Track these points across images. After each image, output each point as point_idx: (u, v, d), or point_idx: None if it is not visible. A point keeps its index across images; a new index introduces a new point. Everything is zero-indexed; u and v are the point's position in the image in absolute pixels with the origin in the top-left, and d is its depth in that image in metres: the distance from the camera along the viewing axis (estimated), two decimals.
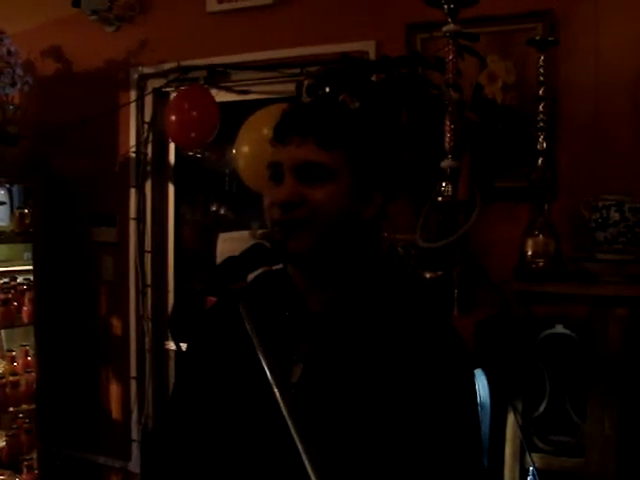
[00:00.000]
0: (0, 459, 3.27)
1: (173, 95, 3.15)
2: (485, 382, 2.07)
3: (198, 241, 3.41)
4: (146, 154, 3.32)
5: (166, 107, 3.12)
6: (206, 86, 3.04)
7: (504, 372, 2.07)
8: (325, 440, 1.00)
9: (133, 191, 3.32)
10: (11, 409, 3.27)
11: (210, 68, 3.06)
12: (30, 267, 3.34)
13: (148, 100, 3.30)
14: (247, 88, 3.10)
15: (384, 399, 1.05)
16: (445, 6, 2.15)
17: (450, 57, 2.16)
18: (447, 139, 2.15)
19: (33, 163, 3.30)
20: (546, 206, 2.24)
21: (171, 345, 3.33)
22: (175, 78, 3.16)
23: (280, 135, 1.14)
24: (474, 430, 1.11)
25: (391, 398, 1.05)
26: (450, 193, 2.16)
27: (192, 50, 3.10)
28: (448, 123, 2.14)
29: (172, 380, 3.36)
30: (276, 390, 0.95)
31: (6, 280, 3.35)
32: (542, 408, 2.07)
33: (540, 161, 2.23)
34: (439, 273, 2.14)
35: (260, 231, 1.14)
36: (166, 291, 3.40)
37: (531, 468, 2.04)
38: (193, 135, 2.92)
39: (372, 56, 2.68)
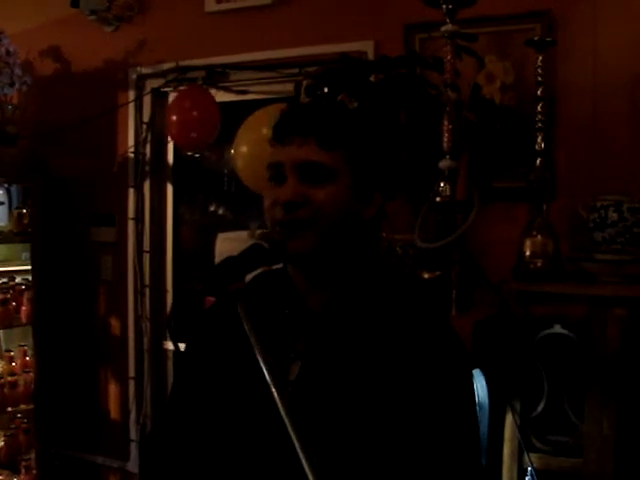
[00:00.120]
0: None
1: (174, 95, 3.15)
2: (483, 382, 2.07)
3: (197, 241, 3.41)
4: (145, 154, 3.32)
5: (167, 107, 3.12)
6: (205, 86, 3.04)
7: (502, 372, 2.07)
8: (322, 438, 1.00)
9: (132, 191, 3.32)
10: (9, 409, 3.26)
11: (209, 68, 3.06)
12: (28, 267, 3.34)
13: (147, 100, 3.29)
14: (246, 88, 3.10)
15: (382, 398, 1.05)
16: (443, 6, 2.16)
17: (448, 57, 2.16)
18: (445, 139, 2.15)
19: (32, 163, 3.29)
20: (544, 206, 2.24)
21: (169, 345, 3.33)
22: (174, 78, 3.16)
23: (280, 135, 1.14)
24: (472, 430, 1.11)
25: (389, 397, 1.05)
26: (448, 193, 2.16)
27: (191, 50, 3.10)
28: (446, 123, 2.15)
29: (170, 380, 3.36)
30: (273, 389, 0.96)
31: (4, 280, 3.35)
32: (540, 408, 2.08)
33: (538, 161, 2.23)
34: (437, 273, 2.15)
35: (259, 231, 1.14)
36: (165, 291, 3.40)
37: (529, 468, 2.04)
38: (194, 135, 2.92)
39: (370, 56, 2.68)
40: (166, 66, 3.17)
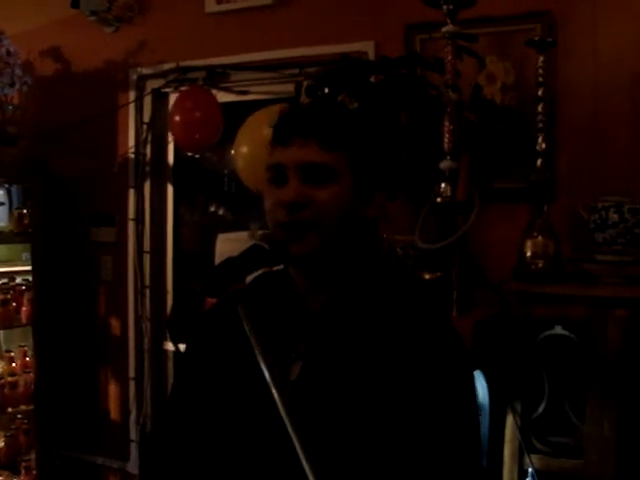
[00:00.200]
0: None
1: (174, 96, 3.15)
2: (484, 383, 2.07)
3: (197, 242, 3.41)
4: (145, 154, 3.32)
5: (169, 108, 3.11)
6: (205, 87, 3.04)
7: (503, 373, 2.07)
8: (323, 439, 1.00)
9: (132, 191, 3.32)
10: (9, 410, 3.26)
11: (209, 69, 3.06)
12: (29, 267, 3.34)
13: (147, 101, 3.29)
14: (246, 88, 3.10)
15: (382, 398, 1.05)
16: (444, 7, 2.15)
17: (449, 58, 2.16)
18: (446, 140, 2.15)
19: (32, 163, 3.29)
20: (545, 207, 2.24)
21: (170, 345, 3.33)
22: (174, 79, 3.16)
23: (281, 137, 1.13)
24: (473, 430, 1.11)
25: (390, 397, 1.05)
26: (449, 194, 2.16)
27: (191, 51, 3.10)
28: (447, 124, 2.15)
29: (171, 380, 3.36)
30: (274, 389, 0.95)
31: (5, 281, 3.35)
32: (541, 409, 2.07)
33: (539, 162, 2.23)
34: (438, 274, 2.15)
35: (259, 232, 1.14)
36: (165, 291, 3.40)
37: (530, 469, 2.04)
38: (197, 136, 2.92)
39: (371, 57, 2.68)
40: (166, 67, 3.17)
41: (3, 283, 3.33)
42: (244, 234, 2.64)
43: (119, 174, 3.32)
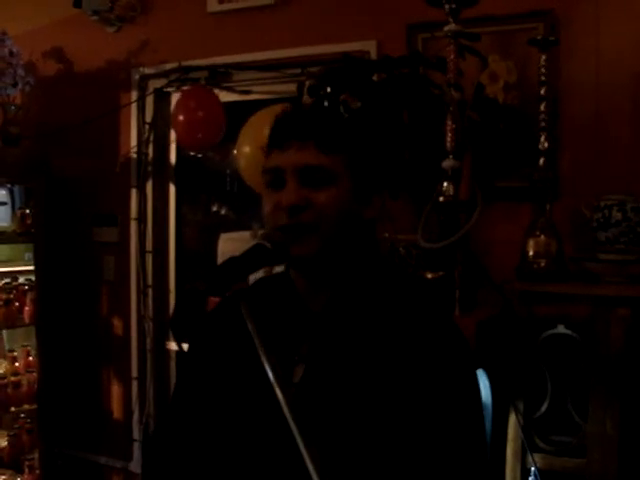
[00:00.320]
0: (2, 459, 3.27)
1: (176, 96, 3.16)
2: (487, 382, 2.07)
3: (199, 241, 3.41)
4: (147, 154, 3.32)
5: (172, 108, 3.11)
6: (208, 86, 3.04)
7: (506, 372, 2.07)
8: (327, 440, 1.00)
9: (134, 191, 3.32)
10: (13, 409, 3.27)
11: (211, 68, 3.06)
12: (31, 267, 3.34)
13: (149, 100, 3.30)
14: (248, 88, 3.10)
15: (386, 398, 1.05)
16: (446, 6, 2.15)
17: (451, 57, 2.16)
18: (448, 139, 2.14)
19: (34, 163, 3.30)
20: (548, 206, 2.23)
21: (172, 345, 3.34)
22: (176, 78, 3.16)
23: (278, 140, 1.13)
24: (478, 429, 1.10)
25: (393, 397, 1.05)
26: (451, 193, 2.16)
27: (193, 50, 3.10)
28: (449, 123, 2.14)
29: (173, 380, 3.36)
30: (278, 390, 0.95)
31: (7, 280, 3.36)
32: (544, 408, 2.07)
33: (542, 161, 2.23)
34: (441, 273, 2.14)
35: (261, 231, 1.14)
36: (167, 291, 3.40)
37: (533, 468, 2.04)
38: (200, 136, 2.92)
39: (373, 56, 2.67)
40: (169, 66, 3.17)
41: (6, 283, 3.34)
42: (246, 234, 2.64)
43: (121, 174, 3.32)
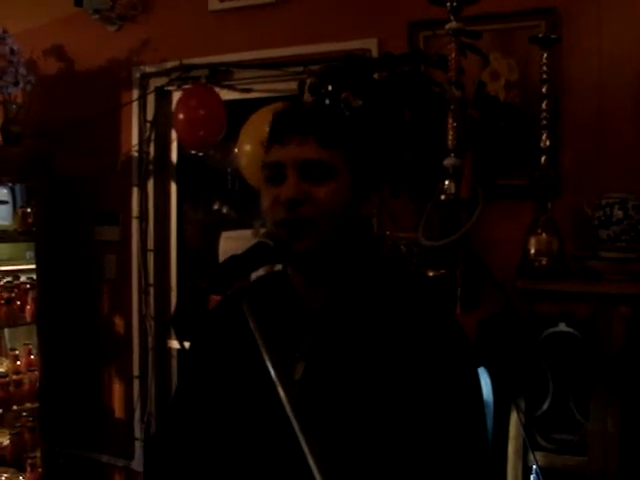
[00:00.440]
0: (4, 457, 3.28)
1: (177, 94, 3.16)
2: (488, 380, 2.07)
3: (201, 240, 3.41)
4: (148, 153, 3.32)
5: (173, 106, 3.12)
6: (209, 85, 3.04)
7: (507, 370, 2.07)
8: (328, 437, 1.00)
9: (135, 190, 3.32)
10: (15, 407, 3.28)
11: (212, 67, 3.06)
12: (33, 266, 3.34)
13: (150, 99, 3.30)
14: (249, 86, 3.10)
15: (387, 395, 1.05)
16: (448, 4, 2.15)
17: (452, 55, 2.16)
18: (450, 137, 2.14)
19: (36, 162, 3.30)
20: (549, 204, 2.23)
21: (174, 344, 3.34)
22: (177, 77, 3.16)
23: (278, 135, 1.13)
24: (479, 426, 1.10)
25: (394, 394, 1.05)
26: (453, 191, 2.16)
27: (194, 49, 3.10)
28: (451, 121, 2.14)
29: (175, 379, 3.37)
30: (280, 388, 0.95)
31: (9, 279, 3.36)
32: (545, 406, 2.07)
33: (543, 159, 2.23)
34: (442, 271, 2.14)
35: (263, 230, 1.14)
36: (169, 290, 3.40)
37: (534, 466, 2.04)
38: (201, 134, 2.92)
39: (374, 54, 2.67)
40: (170, 65, 3.17)
41: (7, 282, 3.34)
42: (248, 232, 2.64)
43: (122, 172, 3.32)
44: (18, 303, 3.32)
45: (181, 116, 2.92)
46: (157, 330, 3.33)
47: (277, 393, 0.95)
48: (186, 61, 3.11)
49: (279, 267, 1.22)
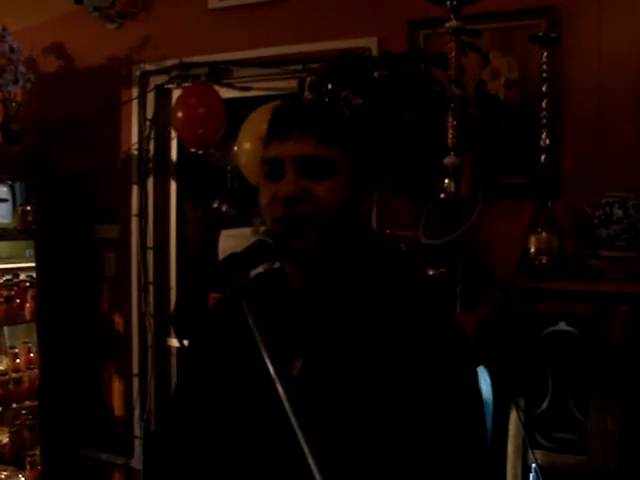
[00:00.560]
0: (3, 455, 3.28)
1: (177, 92, 3.16)
2: (488, 379, 2.07)
3: (200, 238, 3.41)
4: (148, 151, 3.32)
5: (173, 104, 3.11)
6: (208, 83, 3.04)
7: (507, 369, 2.07)
8: (327, 433, 1.00)
9: (135, 188, 3.32)
10: (14, 406, 3.27)
11: (212, 65, 3.06)
12: (32, 264, 3.34)
13: (150, 97, 3.30)
14: (249, 85, 3.09)
15: (386, 392, 1.05)
16: (448, 2, 2.15)
17: (453, 53, 2.15)
18: (449, 136, 2.14)
19: (35, 160, 3.30)
20: (549, 203, 2.23)
21: (173, 342, 3.34)
22: (177, 75, 3.16)
23: (277, 131, 1.13)
24: (478, 424, 1.10)
25: (393, 392, 1.05)
26: (452, 190, 2.16)
27: (194, 47, 3.10)
28: (450, 120, 2.14)
29: (174, 377, 3.37)
30: (279, 385, 0.95)
31: (9, 277, 3.36)
32: (545, 405, 2.07)
33: (543, 158, 2.22)
34: (442, 270, 2.14)
35: (263, 227, 1.14)
36: (168, 288, 3.40)
37: (534, 465, 2.04)
38: (200, 132, 2.92)
39: (374, 52, 2.67)
40: (169, 63, 3.17)
41: (7, 280, 3.34)
42: (247, 230, 2.64)
43: (122, 171, 3.32)
44: (18, 301, 3.32)
45: (180, 114, 2.92)
46: (157, 328, 3.33)
47: (276, 390, 0.95)
48: (186, 59, 3.11)
49: (277, 264, 1.22)
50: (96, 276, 3.43)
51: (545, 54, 2.20)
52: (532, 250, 2.21)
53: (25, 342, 3.39)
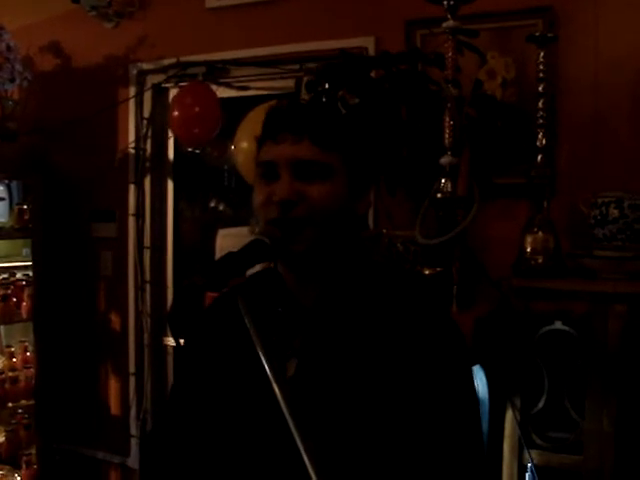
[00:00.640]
0: None
1: (174, 91, 3.15)
2: (484, 378, 2.07)
3: (197, 237, 3.41)
4: (145, 150, 3.31)
5: (169, 103, 3.11)
6: (205, 82, 3.04)
7: (503, 368, 2.07)
8: (323, 434, 1.00)
9: (132, 187, 3.32)
10: (10, 405, 3.27)
11: (209, 64, 3.06)
12: (29, 263, 3.34)
13: (147, 96, 3.29)
14: (246, 84, 3.09)
15: (381, 392, 1.05)
16: (445, 2, 2.15)
17: (450, 53, 2.16)
18: (446, 135, 2.14)
19: (32, 159, 3.29)
20: (545, 203, 2.24)
21: (170, 341, 3.34)
22: (174, 74, 3.15)
23: (272, 133, 1.13)
24: (474, 424, 1.10)
25: (387, 391, 1.05)
26: (449, 189, 2.16)
27: (191, 46, 3.10)
28: (447, 119, 2.14)
29: (171, 376, 3.36)
30: (275, 385, 0.96)
31: (5, 276, 3.36)
32: (541, 404, 2.08)
33: (539, 158, 2.23)
34: (438, 269, 2.15)
35: (259, 227, 1.14)
36: (165, 287, 3.40)
37: (529, 465, 2.04)
38: (196, 131, 2.92)
39: (371, 52, 2.67)
40: (167, 62, 3.16)
41: (3, 278, 3.33)
42: (244, 229, 2.64)
43: (119, 169, 3.32)
44: (14, 300, 3.31)
45: (176, 113, 2.92)
46: (153, 327, 3.33)
47: (272, 389, 0.96)
48: (183, 58, 3.10)
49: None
50: (93, 275, 3.43)
51: (542, 54, 2.20)
52: (528, 249, 2.21)
53: (21, 341, 3.39)
